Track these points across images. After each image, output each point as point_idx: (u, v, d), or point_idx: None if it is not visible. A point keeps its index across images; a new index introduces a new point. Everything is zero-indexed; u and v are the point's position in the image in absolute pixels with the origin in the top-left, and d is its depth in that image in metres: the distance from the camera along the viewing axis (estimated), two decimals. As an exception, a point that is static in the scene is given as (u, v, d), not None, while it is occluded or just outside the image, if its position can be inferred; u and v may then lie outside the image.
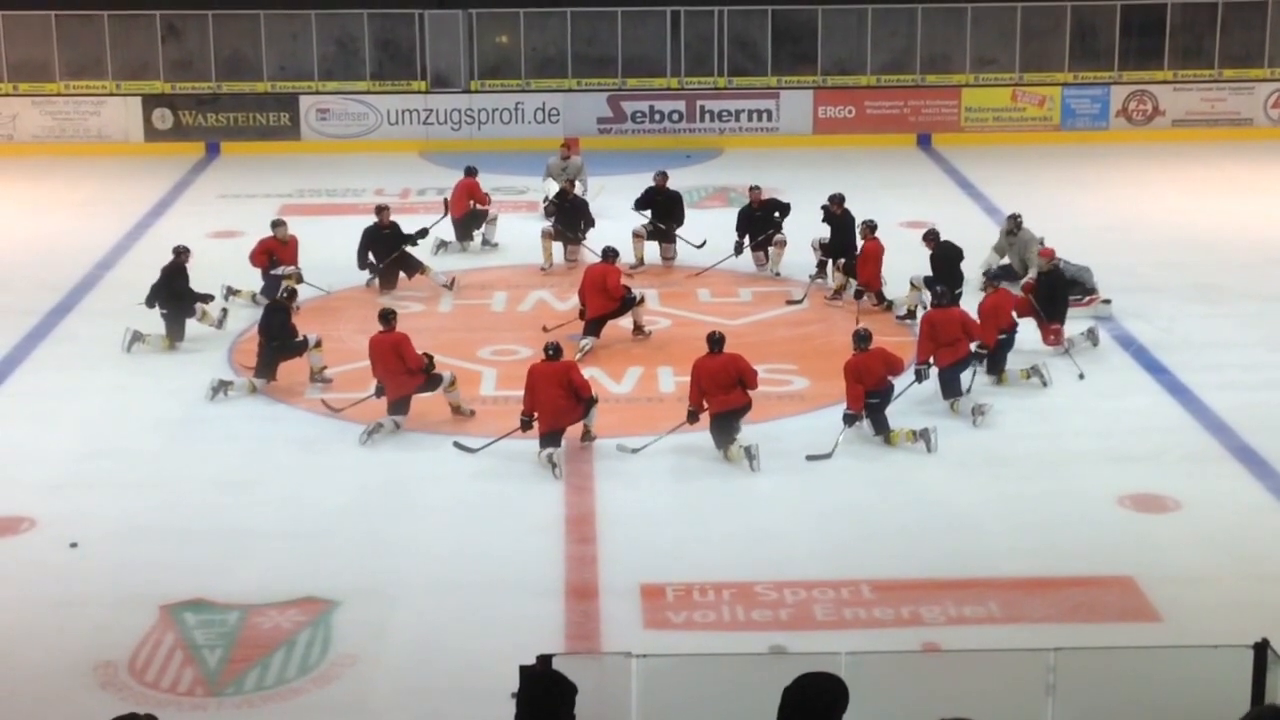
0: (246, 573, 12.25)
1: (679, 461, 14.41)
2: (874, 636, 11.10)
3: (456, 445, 14.62)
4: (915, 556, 12.50)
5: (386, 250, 19.56)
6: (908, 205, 23.83)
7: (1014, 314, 16.44)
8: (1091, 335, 17.34)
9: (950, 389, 15.48)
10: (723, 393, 14.33)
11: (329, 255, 20.30)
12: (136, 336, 17.41)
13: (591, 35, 30.13)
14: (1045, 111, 29.97)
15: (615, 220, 21.38)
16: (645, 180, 22.04)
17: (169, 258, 17.86)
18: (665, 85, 29.97)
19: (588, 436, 14.64)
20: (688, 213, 21.37)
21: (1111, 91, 30.01)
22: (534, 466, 14.14)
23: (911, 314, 17.85)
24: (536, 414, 14.29)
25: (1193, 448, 14.77)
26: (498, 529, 13.14)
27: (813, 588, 11.91)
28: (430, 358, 15.24)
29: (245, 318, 18.36)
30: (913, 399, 15.37)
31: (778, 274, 20.21)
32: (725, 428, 14.35)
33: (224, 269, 19.41)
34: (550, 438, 14.20)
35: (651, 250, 20.79)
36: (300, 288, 18.21)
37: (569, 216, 20.92)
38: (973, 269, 18.40)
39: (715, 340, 14.52)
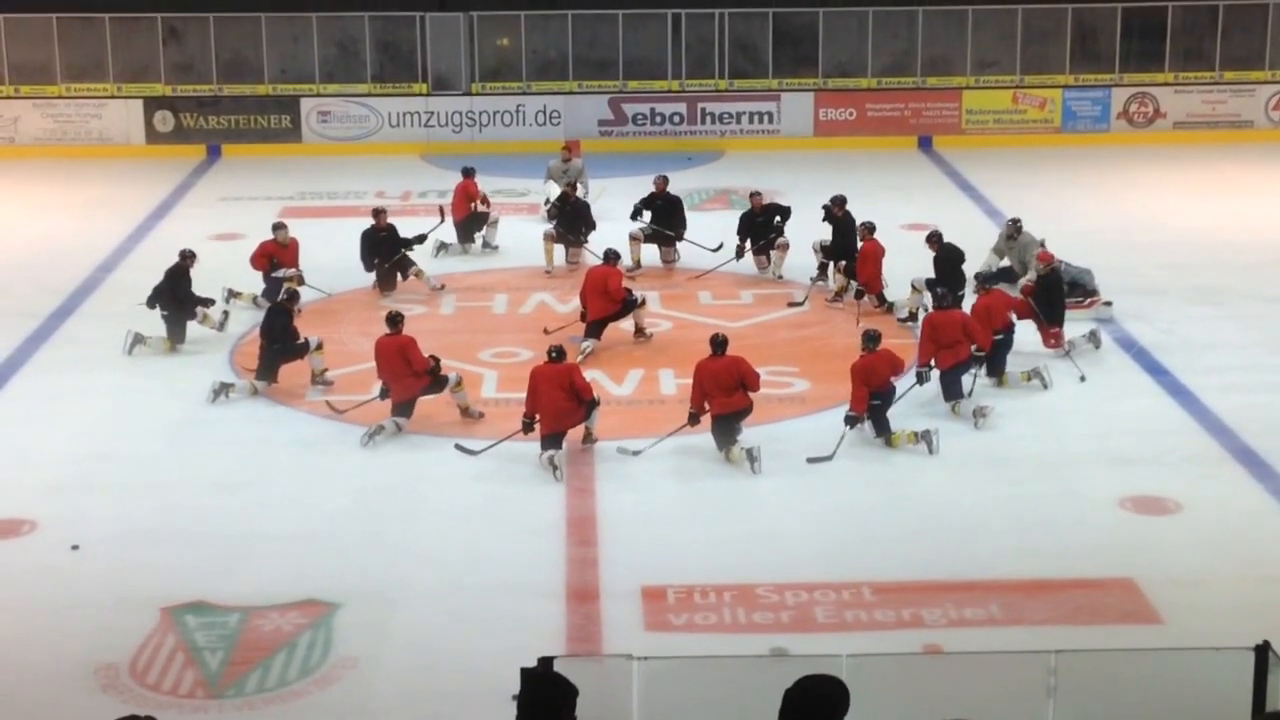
0: (247, 575, 12.25)
1: (680, 464, 14.41)
2: (875, 639, 11.11)
3: (458, 447, 14.62)
4: (916, 559, 12.50)
5: (385, 253, 19.57)
6: (908, 207, 23.83)
7: (1012, 315, 16.43)
8: (1094, 337, 17.34)
9: (951, 391, 15.48)
10: (724, 395, 14.33)
11: (330, 258, 20.32)
12: (138, 339, 17.42)
13: (592, 38, 30.14)
14: (1046, 114, 29.97)
15: (616, 223, 21.38)
16: (646, 182, 22.06)
17: (173, 260, 17.87)
18: (666, 88, 29.98)
19: (589, 439, 14.65)
20: (689, 216, 21.37)
21: (1112, 94, 30.01)
22: (535, 469, 14.15)
23: (913, 316, 17.86)
24: (538, 416, 14.30)
25: (1193, 450, 14.77)
26: (499, 531, 13.14)
27: (814, 590, 11.91)
28: (436, 360, 15.25)
29: (246, 320, 18.36)
30: (914, 401, 15.37)
31: (780, 277, 20.21)
32: (727, 430, 14.36)
33: (225, 272, 19.39)
34: (552, 440, 14.21)
35: (651, 253, 20.78)
36: (301, 290, 18.20)
37: (570, 219, 20.92)
38: (973, 271, 18.39)
39: (718, 342, 14.52)
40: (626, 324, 17.71)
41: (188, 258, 17.89)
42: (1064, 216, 23.01)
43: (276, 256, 19.06)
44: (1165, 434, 15.13)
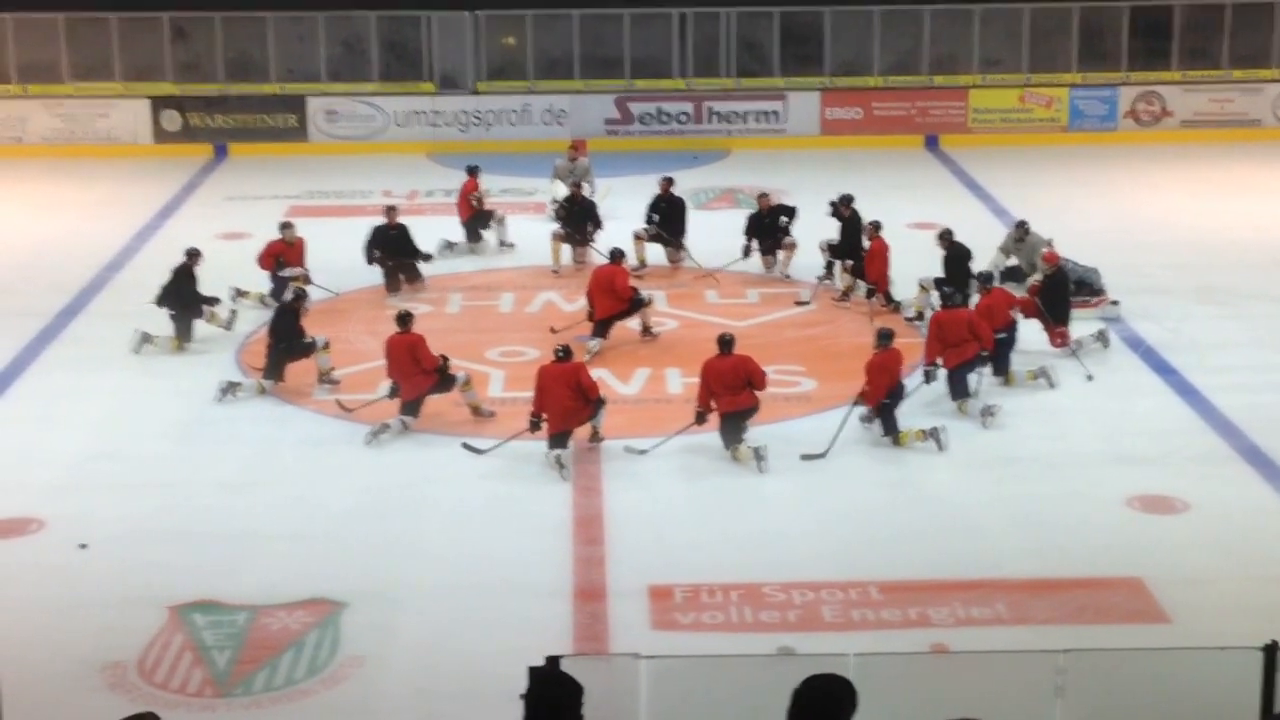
0: (255, 574, 12.26)
1: (687, 462, 14.41)
2: (882, 638, 11.11)
3: (465, 446, 14.64)
4: (923, 558, 12.49)
5: (392, 251, 19.59)
6: (915, 206, 23.82)
7: (1014, 314, 16.39)
8: (1102, 337, 17.33)
9: (958, 390, 15.47)
10: (731, 394, 14.34)
11: (336, 257, 20.34)
12: (145, 338, 17.44)
13: (599, 37, 30.13)
14: (1053, 113, 29.94)
15: (623, 221, 21.40)
16: (651, 181, 22.07)
17: (179, 259, 17.89)
18: (672, 87, 29.97)
19: (596, 438, 14.66)
20: (695, 215, 21.36)
21: (1119, 93, 29.97)
22: (542, 468, 14.15)
23: (921, 315, 17.85)
24: (545, 415, 14.30)
25: (1201, 449, 14.76)
26: (506, 530, 13.14)
27: (820, 589, 11.91)
28: (446, 359, 15.27)
29: (253, 319, 18.37)
30: (920, 400, 15.37)
31: (787, 276, 20.21)
32: (734, 429, 14.36)
33: (232, 271, 19.41)
34: (558, 439, 14.21)
35: (657, 253, 20.77)
36: (309, 289, 18.21)
37: (577, 219, 20.92)
38: (981, 269, 18.37)
39: (725, 342, 14.52)
40: (633, 323, 17.72)
41: (193, 256, 17.90)
42: (1071, 215, 22.99)
43: (283, 256, 19.07)
44: (1172, 433, 15.12)
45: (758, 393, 14.44)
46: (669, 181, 21.27)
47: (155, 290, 17.72)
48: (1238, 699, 7.76)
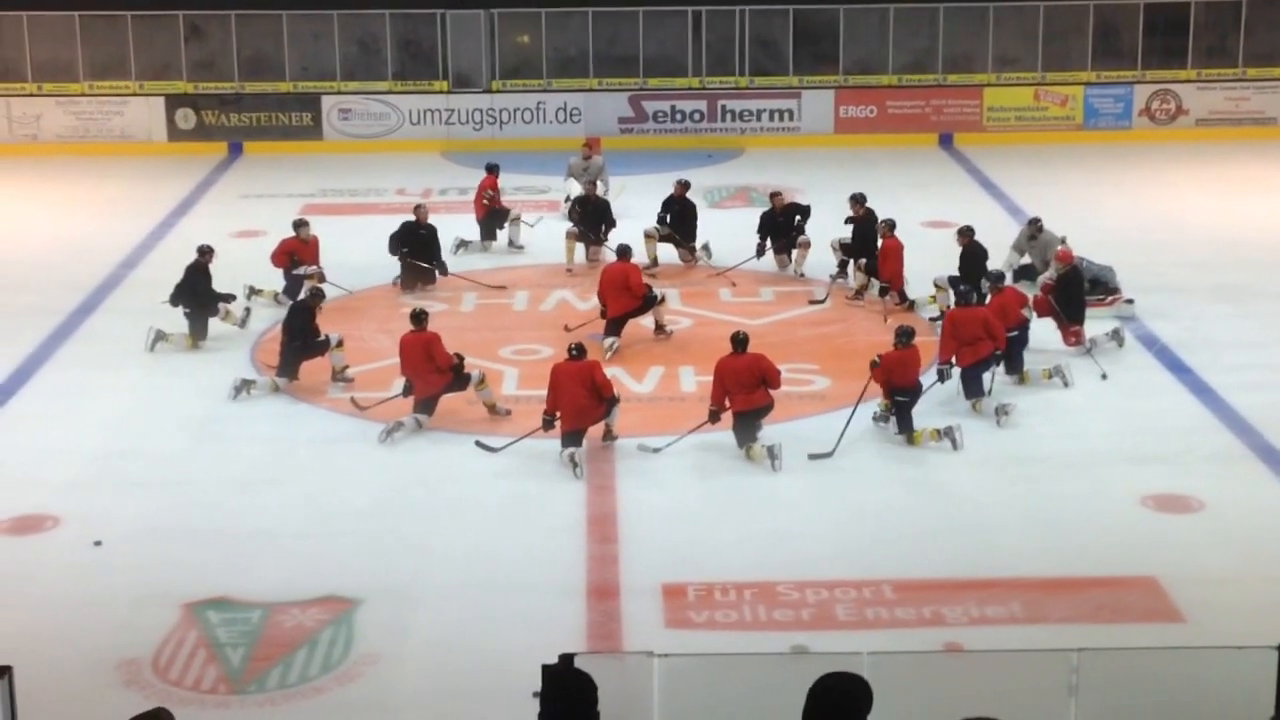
0: (269, 571, 12.29)
1: (700, 461, 14.41)
2: (896, 636, 11.10)
3: (478, 445, 14.64)
4: (937, 556, 12.48)
5: (418, 250, 19.61)
6: (929, 205, 23.82)
7: (1025, 312, 16.34)
8: (1117, 336, 17.30)
9: (972, 389, 15.45)
10: (745, 392, 14.32)
11: (351, 255, 20.37)
12: (160, 336, 17.47)
13: (613, 35, 30.13)
14: (1068, 111, 29.90)
15: (636, 220, 21.40)
16: (665, 180, 22.06)
17: (193, 257, 17.92)
18: (687, 85, 29.96)
19: (609, 436, 14.65)
20: (709, 214, 21.33)
21: (1134, 91, 29.92)
22: (555, 466, 14.16)
23: (943, 315, 17.78)
24: (559, 413, 14.31)
25: (1216, 448, 14.72)
26: (519, 528, 13.15)
27: (834, 587, 11.90)
28: (460, 358, 15.28)
29: (268, 317, 18.39)
30: (935, 399, 15.35)
31: (801, 274, 20.19)
32: (747, 427, 14.35)
33: (246, 269, 19.45)
34: (572, 437, 14.21)
35: (668, 251, 20.74)
36: (323, 288, 18.22)
37: (591, 219, 20.92)
38: (994, 268, 18.34)
39: (739, 340, 14.51)
40: (647, 321, 17.71)
41: (206, 254, 17.92)
42: (1085, 214, 22.96)
43: (297, 254, 19.10)
44: (1187, 432, 15.08)
45: (772, 391, 14.43)
46: (684, 185, 21.18)
47: (170, 289, 17.75)
48: (1253, 698, 7.73)
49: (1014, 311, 16.15)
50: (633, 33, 29.92)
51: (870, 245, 19.02)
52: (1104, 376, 16.37)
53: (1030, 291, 17.59)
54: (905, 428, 14.63)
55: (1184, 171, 27.00)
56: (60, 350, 17.85)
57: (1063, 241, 18.50)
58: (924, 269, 18.58)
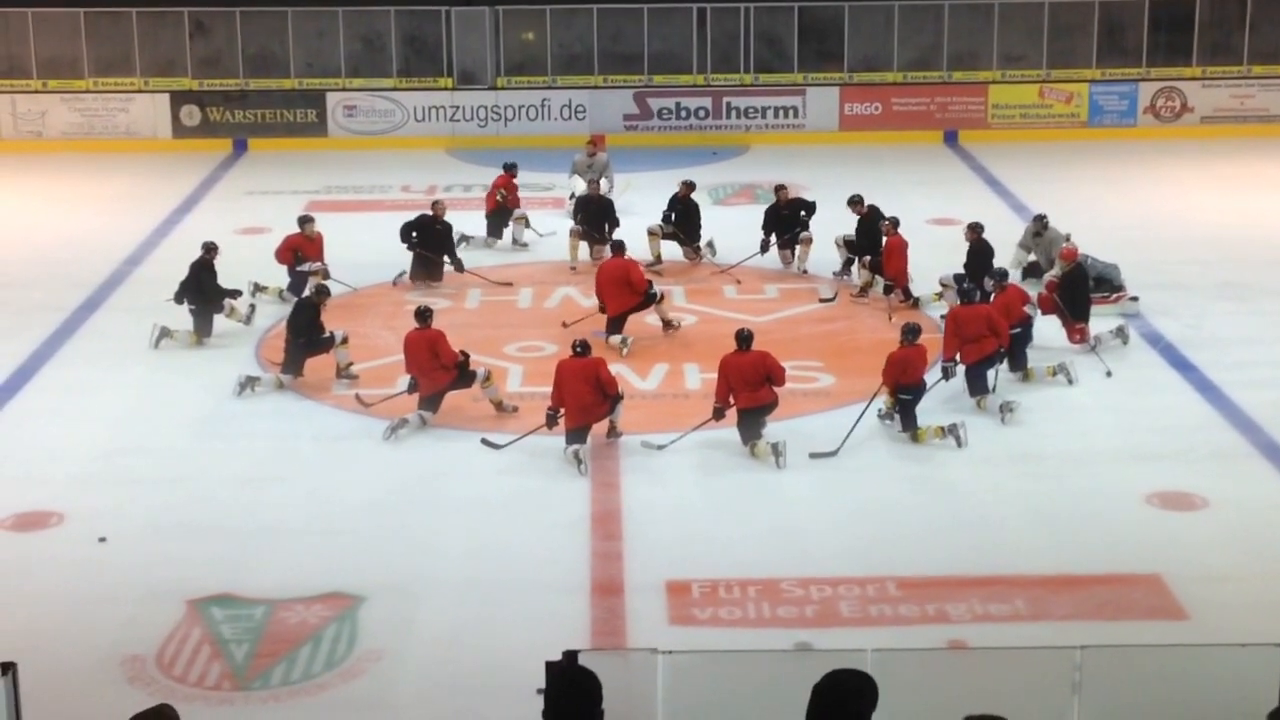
0: (273, 568, 12.30)
1: (705, 458, 14.41)
2: (900, 634, 11.11)
3: (483, 442, 14.65)
4: (941, 553, 12.48)
5: (432, 245, 19.61)
6: (934, 202, 23.82)
7: (1028, 310, 16.32)
8: (1121, 333, 17.29)
9: (976, 386, 15.44)
10: (750, 389, 14.32)
11: (355, 252, 20.39)
12: (164, 332, 17.48)
13: (618, 32, 30.12)
14: (1073, 108, 29.88)
15: (640, 217, 21.39)
16: (670, 177, 22.06)
17: (198, 254, 17.93)
18: (691, 82, 29.95)
19: (613, 433, 14.65)
20: (714, 211, 21.30)
21: (1139, 88, 29.89)
22: (560, 463, 14.16)
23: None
24: (563, 410, 14.31)
25: (1220, 445, 14.72)
26: (523, 525, 13.16)
27: (838, 584, 11.90)
28: (466, 355, 15.28)
29: (273, 314, 18.41)
30: (939, 397, 15.34)
31: (804, 271, 20.19)
32: (752, 424, 14.35)
33: (251, 265, 19.46)
34: (576, 434, 14.22)
35: (672, 248, 20.72)
36: (328, 284, 18.22)
37: (595, 218, 20.90)
38: (1000, 265, 18.32)
39: (744, 337, 14.51)
40: (652, 318, 17.71)
41: (210, 250, 17.94)
42: (1090, 212, 22.94)
43: (301, 250, 19.11)
44: (1192, 429, 15.08)
45: (777, 388, 14.43)
46: (690, 186, 21.12)
47: (175, 286, 17.77)
48: (1256, 696, 7.73)
49: (1018, 309, 16.14)
50: (638, 29, 29.90)
51: (875, 242, 19.02)
52: (1108, 374, 16.37)
53: (1036, 289, 17.56)
54: (910, 425, 14.63)
55: (1189, 169, 26.97)
56: (65, 347, 17.86)
57: (1067, 239, 18.49)
58: (929, 266, 18.58)
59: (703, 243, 20.76)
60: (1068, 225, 19.45)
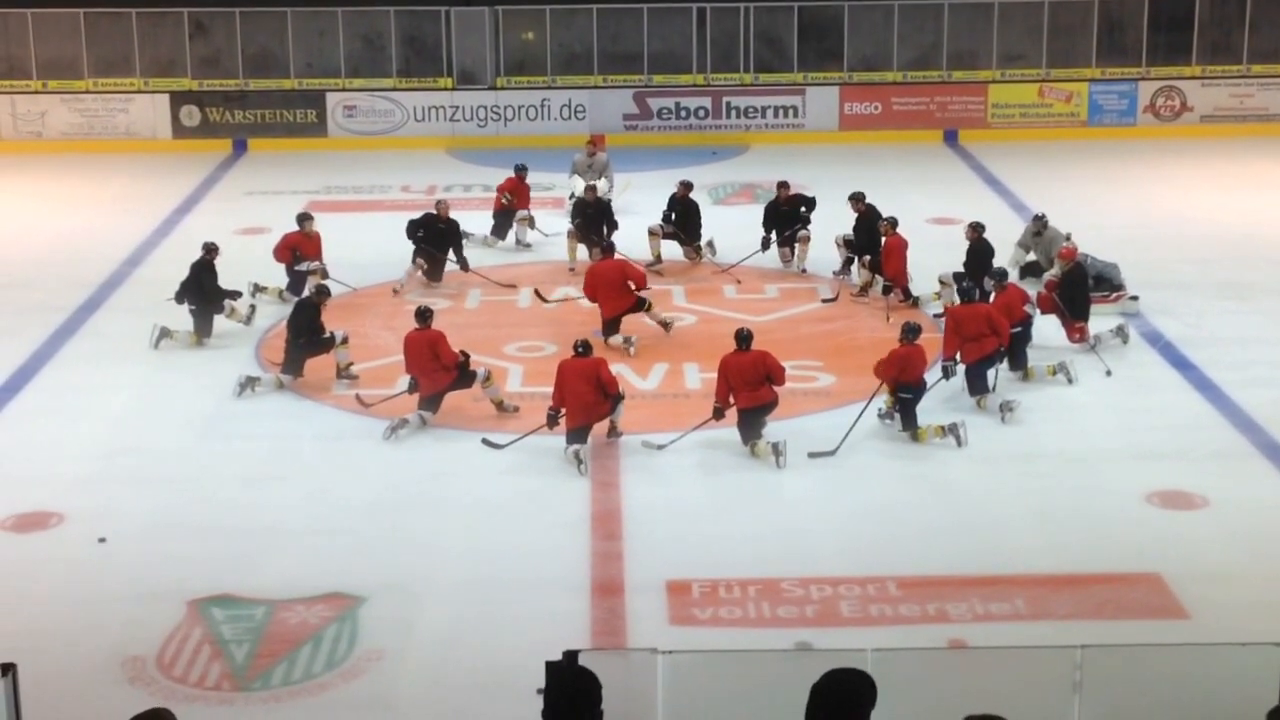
0: (273, 568, 12.30)
1: (705, 458, 14.41)
2: (900, 633, 11.11)
3: (484, 442, 14.65)
4: (942, 553, 12.48)
5: (436, 243, 19.61)
6: (934, 202, 23.82)
7: (1028, 309, 16.32)
8: (1121, 333, 17.29)
9: (976, 386, 15.44)
10: (750, 389, 14.32)
11: (355, 252, 20.39)
12: (164, 333, 17.48)
13: (617, 32, 30.11)
14: (1072, 108, 29.87)
15: (640, 217, 21.39)
16: (670, 177, 22.05)
17: (198, 254, 17.94)
18: (691, 82, 29.94)
19: (614, 432, 14.66)
20: (714, 210, 21.29)
21: (1139, 87, 29.88)
22: (560, 463, 14.16)
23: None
24: (564, 410, 14.31)
25: (1220, 444, 14.72)
26: (524, 525, 13.16)
27: (839, 584, 11.90)
28: (466, 355, 15.28)
29: (273, 314, 18.41)
30: (939, 396, 15.34)
31: (803, 270, 20.19)
32: (752, 424, 14.35)
33: (251, 265, 19.46)
34: (577, 434, 14.22)
35: (672, 249, 20.72)
36: (328, 284, 18.22)
37: (593, 220, 20.86)
38: (999, 264, 18.32)
39: (744, 337, 14.51)
40: (649, 320, 17.68)
41: (210, 250, 17.94)
42: (1090, 211, 22.93)
43: (299, 248, 19.11)
44: (1192, 429, 15.08)
45: (777, 388, 14.43)
46: (687, 186, 21.12)
47: (175, 286, 17.77)
48: (1256, 695, 7.73)
49: (1017, 308, 16.14)
50: (637, 29, 29.90)
51: (873, 240, 19.01)
52: (1108, 373, 16.37)
53: (1035, 289, 17.56)
54: (910, 424, 14.63)
55: (1188, 168, 26.96)
56: (65, 347, 17.86)
57: (1067, 238, 18.49)
58: (929, 265, 18.58)
59: (703, 242, 20.77)
60: (1067, 225, 19.45)
